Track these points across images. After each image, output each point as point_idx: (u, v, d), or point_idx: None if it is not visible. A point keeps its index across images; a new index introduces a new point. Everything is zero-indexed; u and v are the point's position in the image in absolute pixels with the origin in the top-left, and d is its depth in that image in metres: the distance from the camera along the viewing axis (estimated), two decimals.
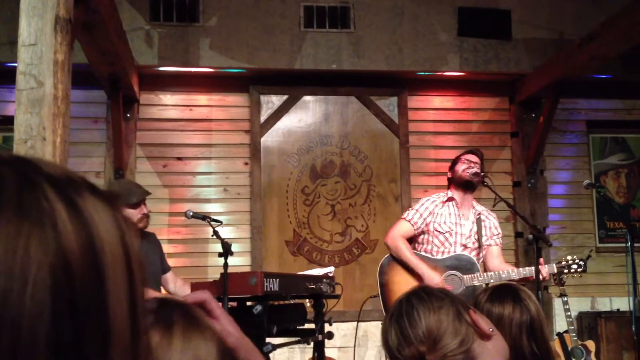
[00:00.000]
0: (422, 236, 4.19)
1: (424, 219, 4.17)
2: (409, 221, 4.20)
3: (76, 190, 0.50)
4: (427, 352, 1.31)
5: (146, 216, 4.16)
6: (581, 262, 4.09)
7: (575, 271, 4.10)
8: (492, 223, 4.28)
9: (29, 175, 0.49)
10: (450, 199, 4.21)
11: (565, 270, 4.09)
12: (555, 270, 4.08)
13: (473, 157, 4.28)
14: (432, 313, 1.35)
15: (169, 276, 4.36)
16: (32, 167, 0.50)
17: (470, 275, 3.99)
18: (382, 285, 4.12)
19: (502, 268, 4.10)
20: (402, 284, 4.03)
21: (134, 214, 4.07)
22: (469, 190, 4.22)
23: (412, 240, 4.24)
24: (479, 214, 4.23)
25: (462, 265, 4.04)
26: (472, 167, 4.18)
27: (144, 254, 4.02)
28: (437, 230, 4.13)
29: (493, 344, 1.36)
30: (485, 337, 1.35)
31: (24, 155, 0.52)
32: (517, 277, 4.02)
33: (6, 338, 0.44)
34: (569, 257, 4.14)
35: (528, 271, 4.00)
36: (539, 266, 3.92)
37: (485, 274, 4.02)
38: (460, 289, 3.97)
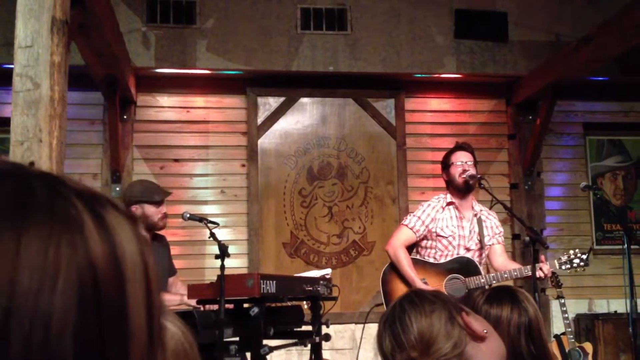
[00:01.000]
0: (425, 241, 4.17)
1: (426, 226, 4.14)
2: (410, 228, 4.16)
3: (101, 204, 0.54)
4: (420, 356, 1.31)
5: (165, 216, 4.19)
6: (583, 256, 4.07)
7: (578, 265, 4.07)
8: (492, 222, 4.27)
9: (58, 186, 0.53)
10: (450, 203, 4.19)
11: (568, 266, 4.07)
12: (557, 267, 4.05)
13: (465, 156, 4.21)
14: (424, 317, 1.35)
15: (173, 280, 4.36)
16: (59, 180, 0.54)
17: (472, 278, 3.98)
18: (385, 294, 4.09)
19: (507, 266, 4.09)
20: (406, 289, 4.02)
21: (155, 212, 4.09)
22: (467, 193, 4.21)
23: (415, 245, 4.22)
24: (479, 214, 4.22)
25: (463, 267, 4.03)
26: (467, 169, 4.15)
27: (158, 256, 4.02)
28: (439, 235, 4.11)
29: (487, 346, 1.35)
30: (478, 338, 1.35)
31: (51, 172, 0.56)
32: (519, 276, 4.02)
33: (40, 330, 0.47)
34: (570, 252, 4.12)
35: (530, 269, 3.98)
36: (541, 264, 3.92)
37: (487, 275, 4.01)
38: (463, 293, 3.96)
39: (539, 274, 3.89)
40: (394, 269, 4.12)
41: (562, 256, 4.13)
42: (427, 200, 4.38)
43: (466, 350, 1.32)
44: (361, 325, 5.72)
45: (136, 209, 4.08)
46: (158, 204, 4.11)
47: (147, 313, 0.55)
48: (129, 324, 0.52)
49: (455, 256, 4.09)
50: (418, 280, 3.97)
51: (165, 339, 1.12)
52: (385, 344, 1.38)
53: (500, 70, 5.96)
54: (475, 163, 4.25)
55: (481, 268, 4.09)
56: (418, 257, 4.19)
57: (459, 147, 4.31)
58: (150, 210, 4.07)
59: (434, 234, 4.12)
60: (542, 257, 3.98)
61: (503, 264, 4.13)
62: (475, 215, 4.20)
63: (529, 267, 3.97)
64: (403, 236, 4.16)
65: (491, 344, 1.37)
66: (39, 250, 0.48)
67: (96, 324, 0.50)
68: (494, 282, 3.97)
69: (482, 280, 3.97)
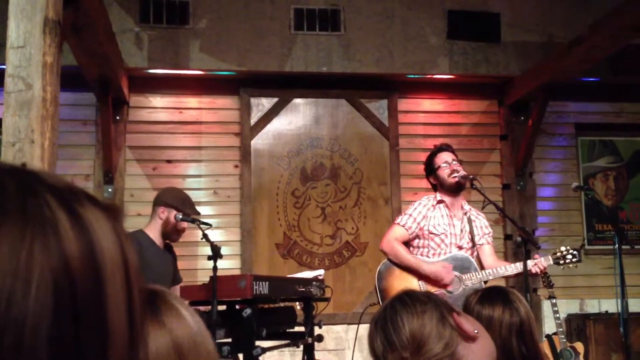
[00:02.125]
0: (417, 240, 4.16)
1: (418, 223, 4.14)
2: (402, 226, 4.16)
3: (77, 200, 0.52)
4: (412, 356, 1.32)
5: (182, 232, 4.16)
6: (575, 252, 4.08)
7: (571, 261, 4.08)
8: (482, 222, 4.28)
9: (31, 184, 0.51)
10: (441, 201, 4.20)
11: (561, 262, 4.08)
12: (552, 262, 4.06)
13: (449, 156, 4.20)
14: (416, 318, 1.35)
15: (176, 288, 4.36)
16: (33, 177, 0.52)
17: (469, 274, 3.99)
18: (381, 291, 4.08)
19: (498, 265, 4.10)
20: (402, 288, 4.00)
21: (178, 224, 4.06)
22: (458, 193, 4.21)
23: (406, 245, 4.22)
24: (468, 213, 4.23)
25: (460, 264, 4.03)
26: (456, 169, 4.16)
27: (164, 262, 4.00)
28: (432, 233, 4.12)
29: (478, 346, 1.36)
30: (470, 339, 1.36)
31: (26, 167, 0.54)
32: (514, 272, 4.02)
33: (10, 337, 0.45)
34: (562, 248, 4.13)
35: (521, 266, 3.99)
36: (536, 260, 3.94)
37: (483, 271, 4.02)
38: (460, 289, 3.97)
39: (535, 269, 3.91)
40: (390, 266, 4.11)
41: (556, 252, 4.13)
42: (419, 200, 4.39)
43: (457, 351, 1.33)
44: (354, 326, 5.73)
45: (162, 211, 4.07)
46: (187, 220, 4.07)
47: (128, 312, 0.53)
48: (108, 326, 0.51)
49: (449, 254, 4.09)
50: (423, 263, 3.98)
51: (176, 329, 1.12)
52: (376, 344, 1.38)
53: (492, 71, 5.98)
54: (460, 161, 4.26)
55: (476, 265, 4.10)
56: (416, 255, 4.18)
57: (440, 148, 4.28)
58: (174, 219, 4.05)
59: (426, 232, 4.12)
60: (536, 255, 4.00)
61: (494, 263, 4.14)
62: (465, 214, 4.21)
63: (520, 263, 3.98)
64: (396, 233, 4.16)
65: (482, 344, 1.38)
66: (10, 255, 0.47)
67: (73, 328, 0.48)
68: (491, 277, 3.98)
69: (479, 277, 3.98)
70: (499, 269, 4.01)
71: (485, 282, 4.00)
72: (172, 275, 4.31)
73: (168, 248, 4.27)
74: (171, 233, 4.10)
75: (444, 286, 3.96)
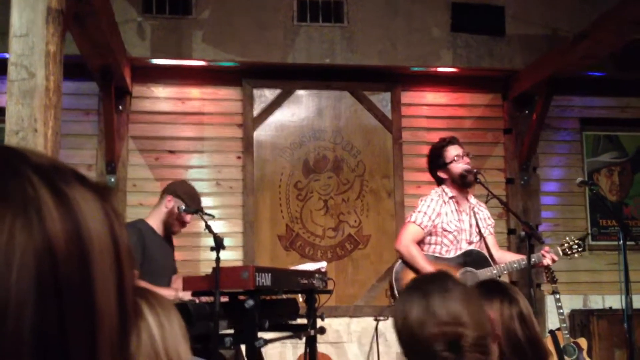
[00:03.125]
0: (429, 237, 4.10)
1: (432, 220, 4.07)
2: (418, 225, 4.08)
3: (64, 179, 0.50)
4: (449, 334, 1.34)
5: (184, 225, 4.17)
6: (580, 242, 4.12)
7: (577, 251, 4.11)
8: (485, 214, 4.26)
9: (13, 162, 0.49)
10: (452, 197, 4.14)
11: (569, 252, 4.10)
12: (561, 254, 4.07)
13: (460, 150, 4.14)
14: (466, 301, 1.38)
15: (175, 277, 4.36)
16: (16, 155, 0.50)
17: (484, 270, 3.97)
18: (400, 292, 4.04)
19: (505, 256, 4.10)
20: None
21: (182, 216, 4.07)
22: (467, 188, 4.18)
23: (419, 242, 4.17)
24: (474, 207, 4.21)
25: (475, 260, 4.02)
26: (470, 166, 4.13)
27: (166, 252, 4.02)
28: (445, 230, 4.06)
29: (495, 348, 1.39)
30: (496, 337, 1.38)
31: (11, 145, 0.52)
32: (528, 266, 3.98)
33: None
34: (567, 239, 4.16)
35: (536, 258, 3.98)
36: (545, 252, 3.95)
37: (498, 266, 3.98)
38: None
39: (545, 262, 3.92)
40: (405, 267, 4.05)
41: (563, 243, 4.15)
42: (422, 195, 4.35)
43: (488, 345, 1.38)
44: (356, 319, 5.73)
45: (170, 200, 4.08)
46: (190, 211, 4.07)
47: (118, 295, 0.51)
48: (95, 310, 0.49)
49: (461, 250, 4.07)
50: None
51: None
52: (414, 312, 1.42)
53: (496, 64, 5.95)
54: (468, 155, 4.23)
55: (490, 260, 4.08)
56: (431, 253, 4.13)
57: (450, 141, 4.20)
58: (179, 210, 4.05)
59: (440, 230, 4.06)
60: (547, 248, 4.03)
61: (499, 255, 4.13)
62: (471, 207, 4.19)
63: (534, 255, 3.97)
64: (411, 233, 4.08)
65: (496, 349, 1.43)
66: None
67: (57, 312, 0.46)
68: (505, 272, 3.99)
69: (494, 272, 3.96)
70: (513, 264, 3.99)
71: (499, 277, 3.99)
72: (174, 265, 4.31)
73: (168, 239, 4.26)
74: (173, 224, 4.10)
75: None
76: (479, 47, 5.92)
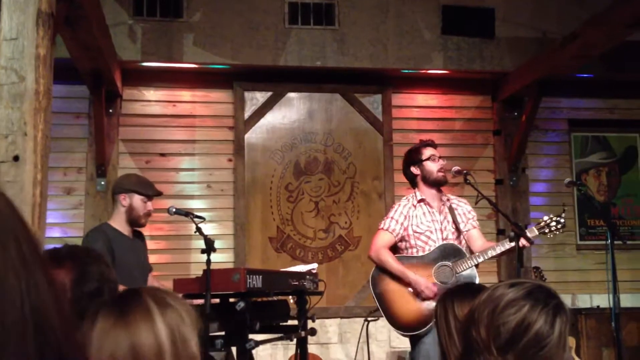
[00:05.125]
0: (404, 242, 4.15)
1: (401, 224, 4.14)
2: (387, 230, 4.17)
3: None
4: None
5: (149, 214, 4.15)
6: (557, 218, 4.03)
7: (556, 228, 4.03)
8: (464, 208, 4.25)
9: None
10: (421, 200, 4.18)
11: (546, 230, 4.05)
12: (537, 233, 4.03)
13: (435, 152, 4.21)
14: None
15: (151, 276, 4.34)
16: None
17: (458, 262, 3.99)
18: (378, 296, 4.07)
19: (486, 247, 4.07)
20: (398, 291, 4.02)
21: (142, 206, 4.06)
22: (440, 187, 4.22)
23: (396, 247, 4.21)
24: (447, 202, 4.21)
25: (449, 253, 4.03)
26: (444, 166, 4.17)
27: (136, 252, 4.01)
28: (416, 232, 4.11)
29: None
30: None
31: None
32: (501, 251, 3.98)
33: None
34: (545, 217, 4.07)
35: (509, 243, 3.94)
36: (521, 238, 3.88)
37: (472, 256, 3.98)
38: (453, 278, 3.97)
39: (522, 243, 3.81)
40: (380, 272, 4.10)
41: (539, 222, 4.07)
42: (398, 202, 4.38)
43: None
44: (346, 320, 5.75)
45: (124, 198, 4.06)
46: (148, 198, 4.08)
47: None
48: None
49: (436, 245, 4.08)
50: (408, 272, 3.98)
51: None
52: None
53: (486, 66, 5.99)
54: (442, 158, 4.28)
55: (464, 250, 4.07)
56: (404, 254, 4.17)
57: (427, 143, 4.28)
58: (138, 202, 4.06)
59: (411, 232, 4.12)
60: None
61: (482, 246, 4.11)
62: (444, 204, 4.20)
63: (506, 241, 3.95)
64: (382, 240, 4.16)
65: None
66: None
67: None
68: (480, 260, 3.96)
69: (470, 262, 3.97)
70: (489, 252, 3.97)
71: (477, 266, 3.99)
72: (148, 264, 4.28)
73: (138, 236, 4.24)
74: (138, 218, 4.07)
75: (427, 298, 3.95)
76: (470, 49, 5.96)
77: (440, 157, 4.22)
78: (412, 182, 4.28)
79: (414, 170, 4.23)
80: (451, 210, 4.17)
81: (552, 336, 1.42)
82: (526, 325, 1.42)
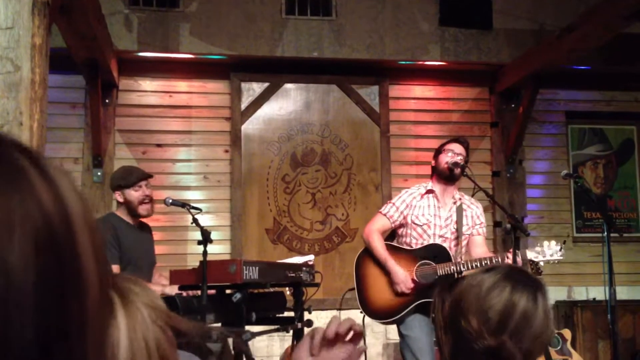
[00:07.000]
0: (401, 229, 4.19)
1: (401, 212, 4.15)
2: (385, 215, 4.19)
3: (39, 157, 0.55)
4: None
5: (149, 198, 4.11)
6: (557, 248, 4.01)
7: (554, 258, 4.04)
8: (474, 212, 4.24)
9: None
10: (430, 191, 4.18)
11: (541, 257, 4.04)
12: (532, 257, 4.03)
13: (457, 147, 4.20)
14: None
15: (155, 268, 4.34)
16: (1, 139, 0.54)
17: (442, 264, 3.99)
18: (357, 278, 4.13)
19: (480, 257, 4.05)
20: (374, 277, 4.07)
21: (135, 196, 4.05)
22: (450, 182, 4.19)
23: (392, 233, 4.24)
24: (459, 202, 4.20)
25: (434, 254, 4.02)
26: (453, 157, 4.14)
27: (141, 242, 4.00)
28: (414, 223, 4.12)
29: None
30: None
31: None
32: (489, 265, 3.97)
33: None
34: (545, 243, 4.06)
35: (502, 259, 3.94)
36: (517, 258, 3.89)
37: (458, 263, 3.97)
38: (432, 279, 3.96)
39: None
40: (366, 255, 4.16)
41: (537, 247, 4.04)
42: (409, 188, 4.38)
43: None
44: (343, 312, 5.75)
45: (119, 196, 4.06)
46: (134, 185, 4.05)
47: (97, 267, 0.55)
48: (84, 276, 0.53)
49: (426, 244, 4.08)
50: (390, 260, 4.01)
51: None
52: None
53: (484, 58, 5.98)
54: (467, 158, 4.23)
55: (453, 256, 4.05)
56: (394, 243, 4.20)
57: (456, 139, 4.32)
58: (130, 195, 4.04)
59: (410, 222, 4.12)
60: (519, 260, 3.90)
61: (480, 255, 4.09)
62: (455, 203, 4.19)
63: (499, 256, 3.97)
64: (378, 223, 4.20)
65: None
66: None
67: (55, 275, 0.51)
68: (464, 269, 3.93)
69: (452, 268, 3.95)
70: (474, 262, 3.91)
71: (460, 274, 3.95)
72: (153, 257, 4.28)
73: (146, 230, 4.24)
74: (137, 207, 4.07)
75: (401, 292, 3.97)
76: (467, 41, 5.94)
77: (461, 156, 4.17)
78: (432, 173, 4.30)
79: (433, 161, 4.28)
80: (459, 210, 4.15)
81: (537, 312, 1.46)
82: (511, 305, 1.45)
